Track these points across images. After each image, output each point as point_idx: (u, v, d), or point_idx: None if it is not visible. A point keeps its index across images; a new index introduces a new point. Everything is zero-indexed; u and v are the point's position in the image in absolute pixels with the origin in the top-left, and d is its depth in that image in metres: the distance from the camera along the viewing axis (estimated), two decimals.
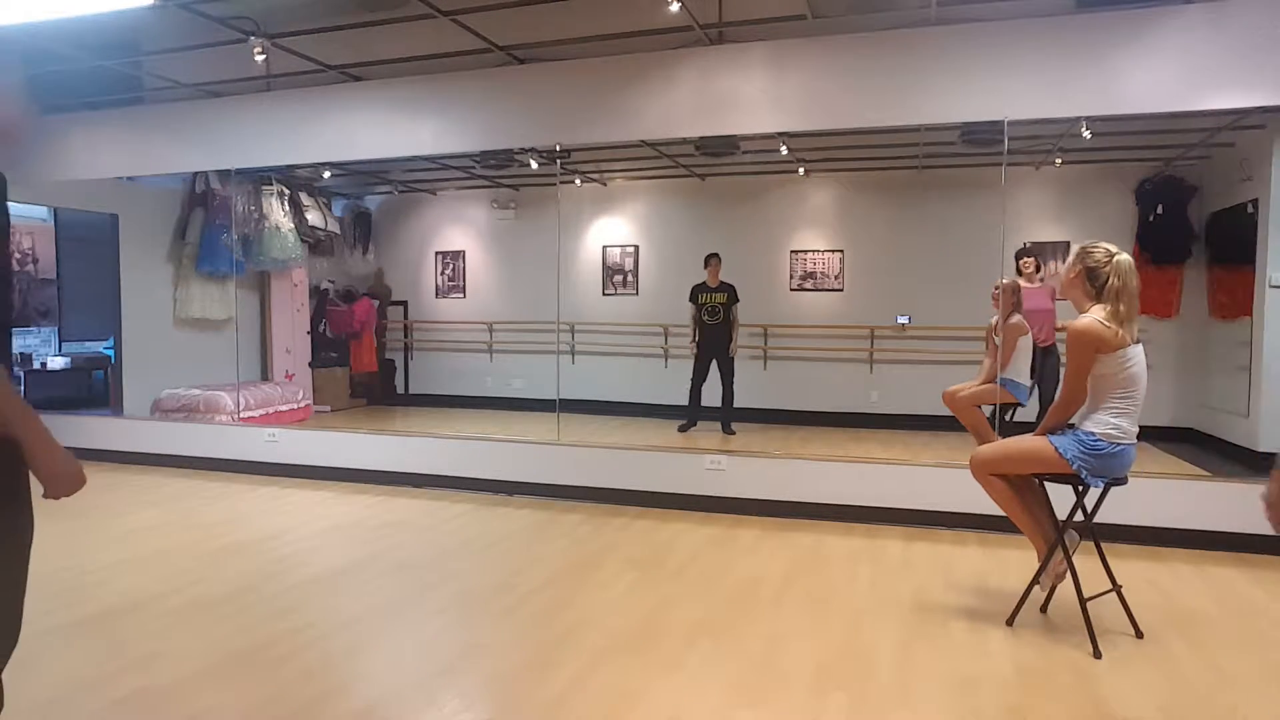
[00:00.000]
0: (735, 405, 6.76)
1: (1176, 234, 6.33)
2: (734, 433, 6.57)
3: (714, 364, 6.80)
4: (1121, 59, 4.22)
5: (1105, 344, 2.82)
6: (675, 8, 4.38)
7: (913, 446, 6.18)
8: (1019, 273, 5.36)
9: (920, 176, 7.21)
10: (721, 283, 6.75)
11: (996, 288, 5.04)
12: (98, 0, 3.99)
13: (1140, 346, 2.90)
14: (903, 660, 2.81)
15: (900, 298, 7.30)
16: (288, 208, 7.47)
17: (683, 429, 6.70)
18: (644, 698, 2.51)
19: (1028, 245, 5.94)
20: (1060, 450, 2.91)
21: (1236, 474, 5.17)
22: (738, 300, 6.74)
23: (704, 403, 6.83)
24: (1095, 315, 2.86)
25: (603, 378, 7.89)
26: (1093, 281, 2.90)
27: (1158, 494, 4.21)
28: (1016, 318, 4.94)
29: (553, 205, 6.82)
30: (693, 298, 6.82)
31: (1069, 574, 2.98)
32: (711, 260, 6.74)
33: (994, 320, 5.08)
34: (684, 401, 6.92)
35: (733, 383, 6.77)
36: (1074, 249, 3.01)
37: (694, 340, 6.82)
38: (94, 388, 7.41)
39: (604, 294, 8.28)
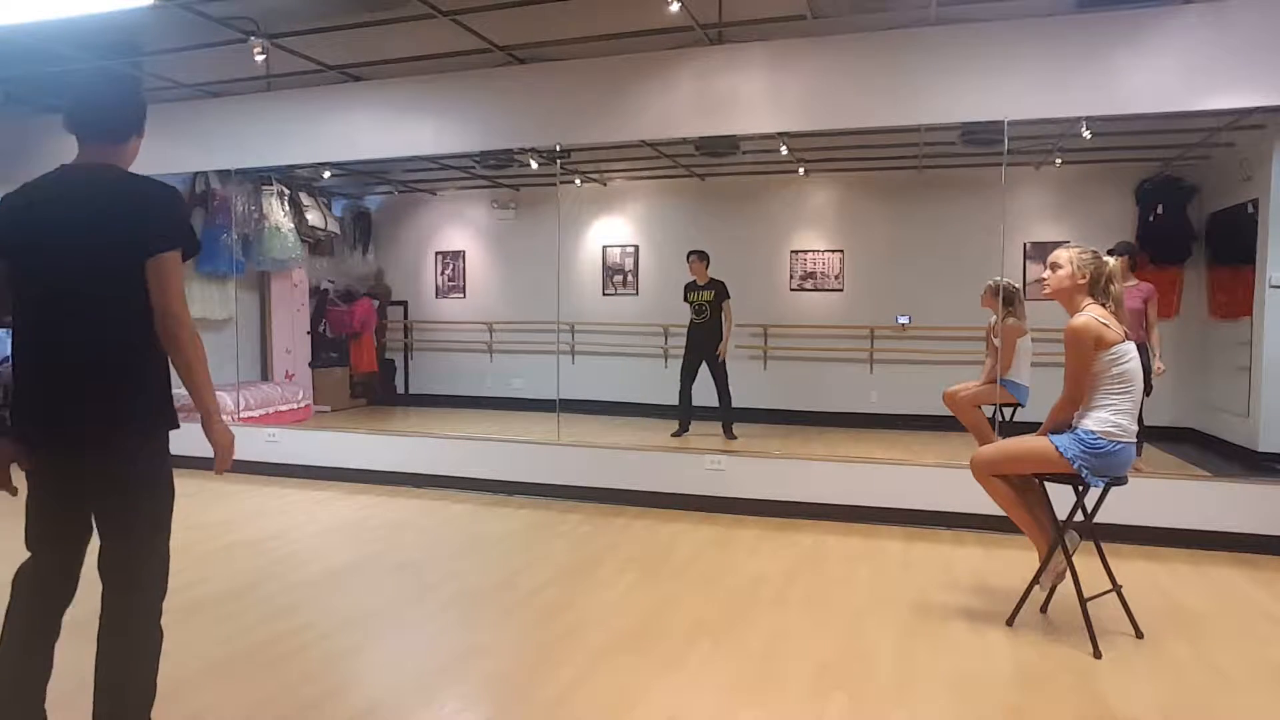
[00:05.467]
0: (735, 405, 6.66)
1: (1176, 234, 6.32)
2: (736, 437, 6.50)
3: (705, 366, 6.69)
4: (1121, 59, 4.22)
5: (1104, 340, 2.86)
6: (675, 8, 4.37)
7: (913, 447, 6.17)
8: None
9: (920, 176, 7.21)
10: (711, 279, 6.65)
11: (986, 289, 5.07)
12: (98, 0, 3.99)
13: (1132, 343, 2.95)
14: (903, 660, 2.81)
15: (900, 298, 7.29)
16: (288, 208, 7.46)
17: (675, 435, 6.63)
18: (644, 698, 2.52)
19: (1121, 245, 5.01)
20: (1061, 449, 2.92)
21: (1236, 474, 5.17)
22: (728, 297, 6.59)
23: (698, 405, 6.75)
24: (1092, 313, 2.91)
25: (603, 378, 7.87)
26: (1094, 283, 2.97)
27: (1158, 494, 4.21)
28: (1012, 319, 4.93)
29: (553, 205, 6.82)
30: (686, 296, 6.77)
31: (1069, 574, 2.99)
32: (690, 258, 6.65)
33: (992, 321, 5.07)
34: None
35: (727, 385, 6.61)
36: (1061, 254, 3.01)
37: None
38: None
39: (604, 294, 8.27)
